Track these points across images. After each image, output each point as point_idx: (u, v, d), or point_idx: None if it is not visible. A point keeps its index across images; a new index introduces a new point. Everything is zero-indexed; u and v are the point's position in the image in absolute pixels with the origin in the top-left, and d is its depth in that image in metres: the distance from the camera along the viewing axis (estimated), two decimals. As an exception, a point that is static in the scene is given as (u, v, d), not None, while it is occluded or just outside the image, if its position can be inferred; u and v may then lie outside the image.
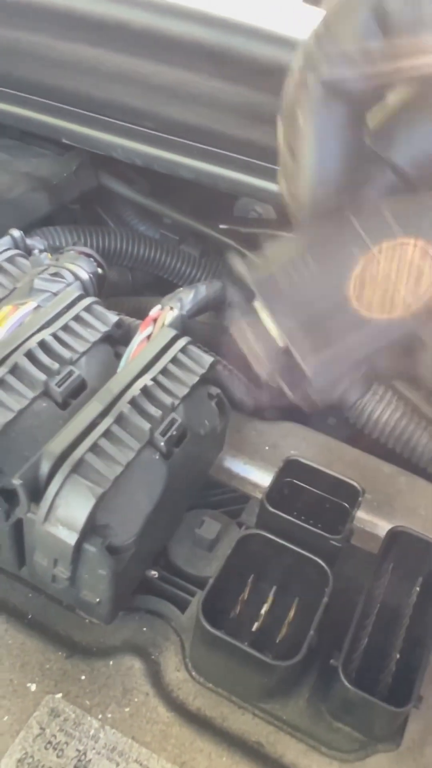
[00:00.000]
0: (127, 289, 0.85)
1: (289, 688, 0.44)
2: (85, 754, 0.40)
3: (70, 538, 0.39)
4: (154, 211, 0.92)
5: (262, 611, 0.47)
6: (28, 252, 0.55)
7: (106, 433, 0.42)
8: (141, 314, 0.56)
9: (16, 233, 0.55)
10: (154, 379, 0.46)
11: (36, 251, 0.54)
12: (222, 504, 0.55)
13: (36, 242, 0.56)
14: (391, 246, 0.35)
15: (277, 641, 0.46)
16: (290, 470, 0.51)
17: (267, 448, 0.58)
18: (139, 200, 0.90)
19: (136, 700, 0.43)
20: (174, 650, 0.46)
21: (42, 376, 0.44)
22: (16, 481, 0.38)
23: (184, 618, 0.47)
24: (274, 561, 0.47)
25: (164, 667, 0.45)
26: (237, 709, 0.44)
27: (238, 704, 0.44)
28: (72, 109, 0.70)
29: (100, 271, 0.56)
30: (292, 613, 0.47)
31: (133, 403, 0.44)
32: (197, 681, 0.45)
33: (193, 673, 0.45)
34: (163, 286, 0.85)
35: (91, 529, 0.40)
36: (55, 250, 0.58)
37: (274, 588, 0.48)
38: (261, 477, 0.57)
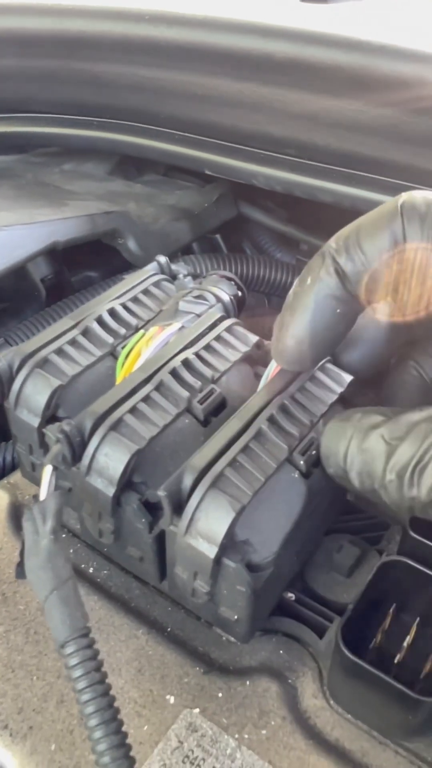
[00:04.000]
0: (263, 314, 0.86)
1: (435, 727, 0.42)
2: (221, 772, 0.40)
3: (210, 551, 0.39)
4: (291, 238, 0.93)
5: (405, 643, 0.45)
6: (173, 277, 0.57)
7: (245, 449, 0.42)
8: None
9: (162, 259, 0.57)
10: (292, 397, 0.46)
11: (180, 276, 0.56)
12: (361, 530, 0.53)
13: (180, 267, 0.58)
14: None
15: (422, 676, 0.43)
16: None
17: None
18: (276, 227, 0.92)
19: (272, 723, 0.42)
20: (311, 676, 0.45)
21: (185, 394, 0.46)
22: (161, 493, 0.40)
23: (321, 644, 0.46)
24: (418, 591, 0.45)
25: (301, 693, 0.44)
26: (378, 745, 0.42)
27: (378, 739, 0.42)
28: (215, 141, 0.73)
29: (239, 293, 0.57)
30: (437, 648, 0.44)
31: (271, 420, 0.44)
32: (335, 710, 0.43)
33: (331, 702, 0.44)
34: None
35: (230, 544, 0.40)
36: (196, 277, 0.60)
37: (417, 619, 0.45)
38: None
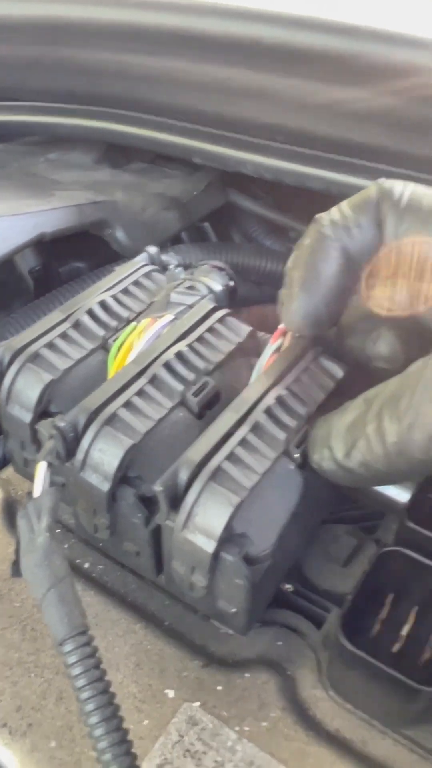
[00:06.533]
0: (256, 303, 0.85)
1: (434, 715, 0.42)
2: (223, 765, 0.39)
3: (208, 545, 0.39)
4: (280, 225, 0.92)
5: (403, 632, 0.45)
6: (163, 267, 0.56)
7: (243, 443, 0.42)
8: (267, 323, 0.56)
9: (152, 250, 0.56)
10: (288, 389, 0.46)
11: (171, 266, 0.56)
12: (357, 519, 0.53)
13: (170, 258, 0.57)
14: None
15: (421, 665, 0.43)
16: None
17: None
18: (265, 215, 0.91)
19: (272, 715, 0.42)
20: (310, 667, 0.45)
21: (179, 387, 0.45)
22: (158, 488, 0.39)
23: (319, 634, 0.46)
24: (415, 580, 0.45)
25: (300, 684, 0.44)
26: (378, 734, 0.42)
27: (378, 729, 0.42)
28: (203, 129, 0.72)
29: (231, 283, 0.56)
30: (435, 636, 0.45)
31: (268, 412, 0.44)
32: (335, 701, 0.43)
33: (331, 692, 0.44)
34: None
35: (228, 538, 0.40)
36: (187, 267, 0.59)
37: (415, 608, 0.46)
38: (397, 492, 0.55)
